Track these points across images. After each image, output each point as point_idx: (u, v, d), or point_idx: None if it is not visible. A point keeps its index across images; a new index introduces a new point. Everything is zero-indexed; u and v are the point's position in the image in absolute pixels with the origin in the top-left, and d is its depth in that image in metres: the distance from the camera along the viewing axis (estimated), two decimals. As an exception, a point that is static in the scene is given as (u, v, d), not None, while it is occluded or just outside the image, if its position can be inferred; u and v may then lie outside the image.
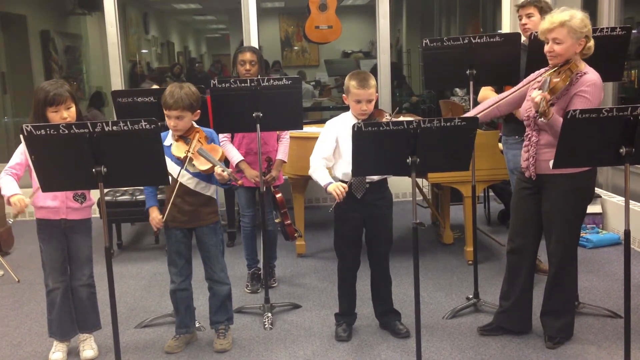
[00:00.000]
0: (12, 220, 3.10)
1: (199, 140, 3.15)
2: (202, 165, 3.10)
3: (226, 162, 3.70)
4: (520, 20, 3.96)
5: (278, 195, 3.98)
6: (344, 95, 3.31)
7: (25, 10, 8.10)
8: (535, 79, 3.11)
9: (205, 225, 3.28)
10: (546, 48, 3.01)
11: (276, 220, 4.08)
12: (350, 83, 3.21)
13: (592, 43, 3.01)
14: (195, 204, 3.24)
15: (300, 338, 3.45)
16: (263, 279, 3.93)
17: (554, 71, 2.98)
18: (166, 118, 3.16)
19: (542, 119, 2.89)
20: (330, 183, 3.14)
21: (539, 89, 2.93)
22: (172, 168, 3.16)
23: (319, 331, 3.52)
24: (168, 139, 3.23)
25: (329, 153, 3.29)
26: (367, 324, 3.57)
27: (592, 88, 2.94)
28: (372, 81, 3.21)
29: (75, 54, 9.20)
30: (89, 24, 9.15)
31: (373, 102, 3.24)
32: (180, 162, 3.14)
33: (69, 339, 3.32)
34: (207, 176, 3.21)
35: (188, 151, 3.10)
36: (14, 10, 7.91)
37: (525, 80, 3.23)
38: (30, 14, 8.20)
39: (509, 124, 3.95)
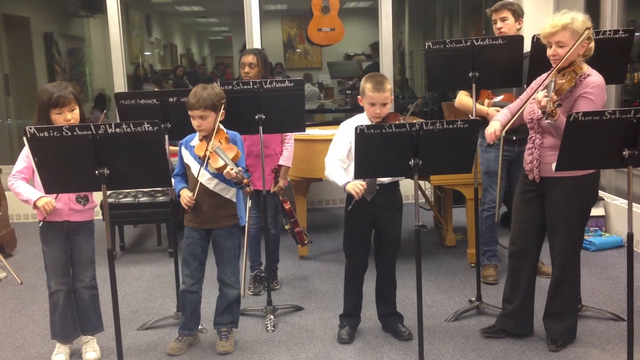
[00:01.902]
0: (41, 223, 3.11)
1: (219, 140, 3.17)
2: (216, 163, 3.11)
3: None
4: (495, 24, 3.97)
5: (287, 206, 3.99)
6: (359, 96, 3.31)
7: (29, 13, 8.11)
8: (540, 84, 3.09)
9: (222, 228, 3.29)
10: (549, 52, 3.00)
11: (286, 227, 4.09)
12: (366, 86, 3.20)
13: (592, 44, 3.01)
14: (213, 206, 3.25)
15: (303, 340, 3.45)
16: (265, 281, 3.93)
17: (558, 74, 2.97)
18: (191, 119, 3.19)
19: (549, 120, 2.88)
20: (348, 182, 3.14)
21: (544, 91, 2.93)
22: (195, 168, 3.22)
23: (321, 333, 3.52)
24: (195, 140, 3.26)
25: (343, 155, 3.28)
26: (370, 326, 3.56)
27: (596, 89, 2.94)
28: (388, 85, 3.20)
29: (78, 56, 9.21)
30: (92, 26, 9.16)
31: (388, 106, 3.22)
32: (202, 161, 3.17)
33: (72, 340, 3.32)
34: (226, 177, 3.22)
35: (207, 150, 3.12)
36: (17, 12, 7.93)
37: (529, 90, 3.22)
38: (34, 16, 8.21)
39: (484, 126, 3.94)
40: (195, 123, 3.18)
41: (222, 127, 3.26)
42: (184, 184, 3.31)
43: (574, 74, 2.95)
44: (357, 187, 3.09)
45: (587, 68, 3.02)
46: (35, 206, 3.01)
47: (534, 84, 3.19)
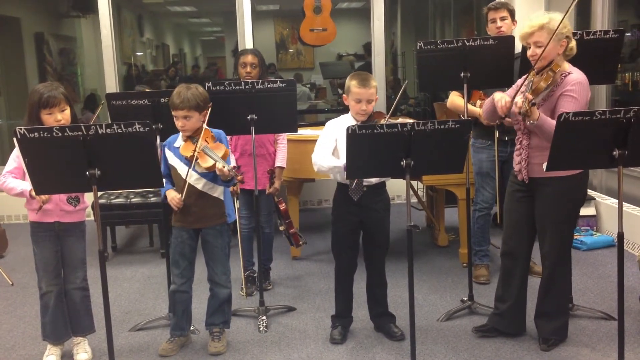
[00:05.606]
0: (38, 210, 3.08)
1: (204, 140, 3.17)
2: (206, 163, 3.11)
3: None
4: (494, 22, 3.96)
5: (282, 207, 3.99)
6: (344, 95, 3.31)
7: (20, 13, 8.07)
8: (522, 84, 3.10)
9: (212, 227, 3.28)
10: (528, 52, 3.02)
11: (281, 228, 4.09)
12: (351, 82, 3.21)
13: (573, 44, 3.02)
14: (202, 205, 3.24)
15: (295, 341, 3.45)
16: (258, 282, 3.93)
17: (537, 74, 2.99)
18: (174, 119, 3.18)
19: (529, 121, 2.89)
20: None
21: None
22: (182, 169, 3.20)
23: (313, 334, 3.52)
24: (178, 141, 3.25)
25: (329, 154, 3.28)
26: (362, 326, 3.57)
27: (577, 87, 2.94)
28: (373, 82, 3.22)
29: (69, 57, 9.17)
30: (84, 27, 9.12)
31: (373, 103, 3.24)
32: (189, 162, 3.15)
33: (63, 342, 3.31)
34: (213, 177, 3.21)
35: (195, 150, 3.12)
36: (8, 12, 7.88)
37: (514, 87, 3.23)
38: (24, 16, 8.17)
39: (476, 127, 3.96)
40: (179, 123, 3.17)
41: (205, 125, 3.25)
42: (170, 185, 3.29)
43: (551, 73, 2.95)
44: None
45: (568, 66, 3.03)
46: (31, 196, 2.99)
47: (518, 83, 3.19)
